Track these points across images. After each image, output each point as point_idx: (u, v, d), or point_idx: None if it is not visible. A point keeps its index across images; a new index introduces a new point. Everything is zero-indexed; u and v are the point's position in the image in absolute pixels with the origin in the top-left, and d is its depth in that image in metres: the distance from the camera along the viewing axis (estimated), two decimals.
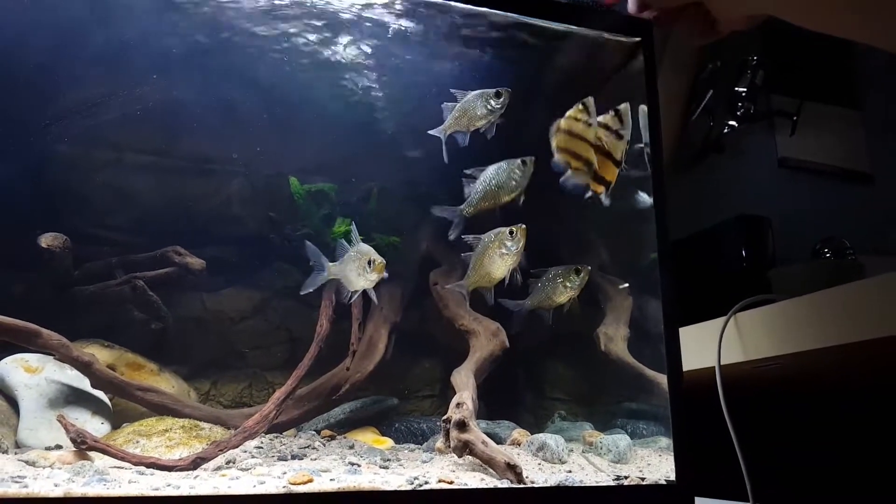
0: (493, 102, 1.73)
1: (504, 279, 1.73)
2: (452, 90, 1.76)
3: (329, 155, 2.29)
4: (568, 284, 1.80)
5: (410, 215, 2.39)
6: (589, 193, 1.67)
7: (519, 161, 1.74)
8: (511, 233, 1.69)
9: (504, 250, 1.69)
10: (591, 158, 1.62)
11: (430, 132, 1.78)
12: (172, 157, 2.23)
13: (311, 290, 1.80)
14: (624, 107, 1.63)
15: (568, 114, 1.61)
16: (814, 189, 3.46)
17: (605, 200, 1.66)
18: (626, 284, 2.24)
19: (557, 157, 1.62)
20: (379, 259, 1.71)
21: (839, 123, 3.62)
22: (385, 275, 1.72)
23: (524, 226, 1.69)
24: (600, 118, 1.62)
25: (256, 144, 2.20)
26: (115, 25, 1.90)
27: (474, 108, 1.74)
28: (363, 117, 2.21)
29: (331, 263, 1.80)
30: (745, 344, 1.82)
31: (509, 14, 1.82)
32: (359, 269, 1.72)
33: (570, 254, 2.20)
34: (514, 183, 1.74)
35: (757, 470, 1.60)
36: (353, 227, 1.82)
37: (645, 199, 1.73)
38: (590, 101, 1.61)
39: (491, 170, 1.75)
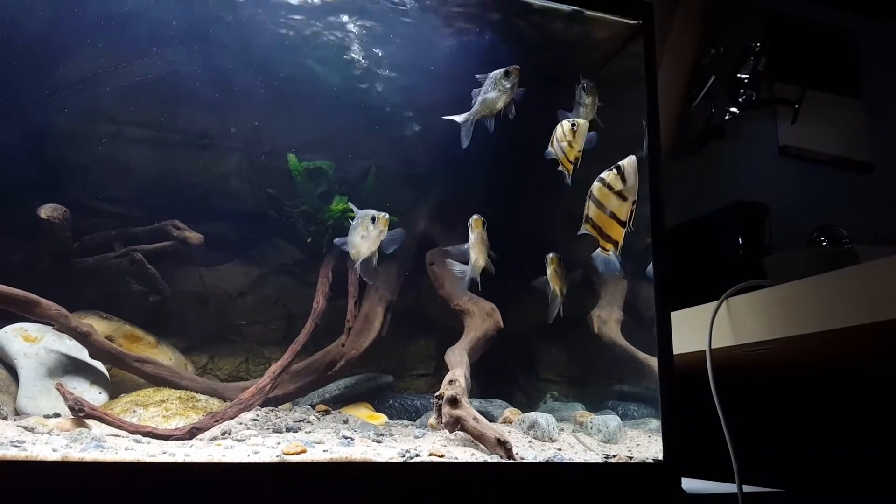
0: (504, 83, 1.74)
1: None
2: (477, 76, 1.77)
3: (327, 132, 2.29)
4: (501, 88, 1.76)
5: (408, 194, 2.41)
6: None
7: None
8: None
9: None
10: (619, 239, 1.61)
11: (453, 118, 1.79)
12: (172, 132, 2.24)
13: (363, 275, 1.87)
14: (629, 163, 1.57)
15: (604, 178, 1.56)
16: (813, 177, 3.46)
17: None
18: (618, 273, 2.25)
19: (585, 228, 1.63)
20: (382, 214, 1.72)
21: (840, 112, 3.62)
22: (384, 231, 1.75)
23: (478, 216, 1.80)
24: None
25: (255, 120, 2.20)
26: None
27: (490, 92, 1.76)
28: (362, 95, 2.22)
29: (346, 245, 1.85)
30: (736, 328, 1.84)
31: None
32: (362, 232, 1.74)
33: (566, 237, 2.21)
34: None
35: (744, 452, 1.62)
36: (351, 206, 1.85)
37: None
38: (628, 165, 1.54)
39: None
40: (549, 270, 1.98)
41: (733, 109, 3.22)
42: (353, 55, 2.13)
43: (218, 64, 2.03)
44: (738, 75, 3.20)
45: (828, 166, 3.54)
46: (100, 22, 1.90)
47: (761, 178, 3.35)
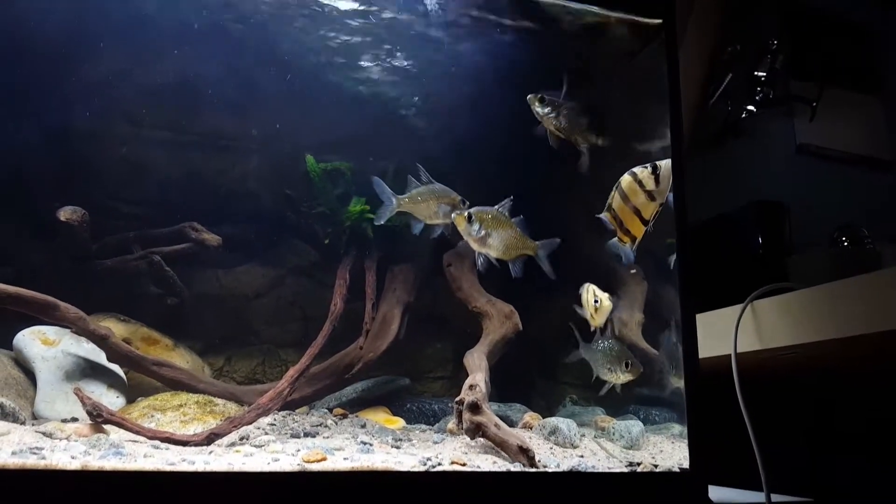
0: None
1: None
2: None
3: (345, 133, 2.27)
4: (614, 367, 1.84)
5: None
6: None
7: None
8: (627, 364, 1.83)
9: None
10: (638, 235, 1.60)
11: None
12: (190, 133, 2.22)
13: (382, 222, 1.94)
14: (666, 166, 1.56)
15: (636, 173, 1.55)
16: (832, 176, 3.41)
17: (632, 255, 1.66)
18: (634, 271, 2.22)
19: (605, 215, 1.61)
20: (466, 208, 1.80)
21: (859, 110, 3.56)
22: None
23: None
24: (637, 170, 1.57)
25: (274, 122, 2.19)
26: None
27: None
28: (381, 96, 2.20)
29: (399, 196, 1.88)
30: (761, 332, 1.80)
31: None
32: (435, 208, 1.84)
33: (587, 239, 2.18)
34: None
35: (772, 460, 1.59)
36: (422, 168, 1.88)
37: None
38: (665, 168, 1.54)
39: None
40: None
41: (750, 107, 3.17)
42: (372, 57, 2.11)
43: (237, 66, 2.02)
44: (756, 73, 3.15)
45: (846, 164, 3.49)
46: (120, 24, 1.89)
47: (779, 176, 3.30)
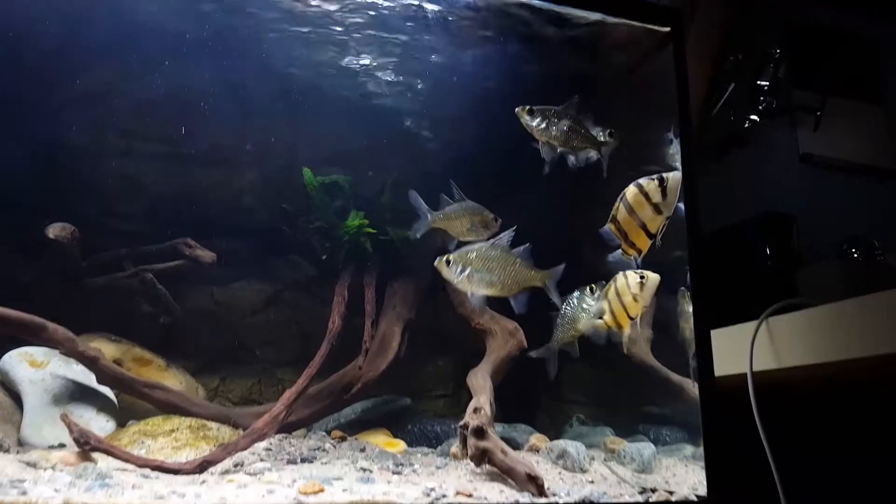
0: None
1: None
2: None
3: (343, 146, 2.22)
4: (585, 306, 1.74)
5: None
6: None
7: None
8: (591, 289, 1.72)
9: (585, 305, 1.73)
10: (644, 248, 1.53)
11: None
12: (184, 147, 2.16)
13: (418, 236, 1.86)
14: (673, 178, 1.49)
15: (642, 185, 1.48)
16: (836, 186, 3.37)
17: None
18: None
19: (609, 227, 1.54)
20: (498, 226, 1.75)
21: (863, 119, 3.52)
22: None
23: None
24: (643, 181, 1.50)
25: (270, 135, 2.13)
26: (127, 10, 1.83)
27: None
28: (380, 109, 2.15)
29: (434, 212, 1.82)
30: (777, 350, 1.73)
31: (534, 1, 1.75)
32: (468, 225, 1.78)
33: (591, 250, 2.12)
34: None
35: (791, 484, 1.52)
36: (455, 185, 1.81)
37: None
38: (672, 180, 1.48)
39: None
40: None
41: (753, 117, 3.13)
42: (371, 68, 2.06)
43: (232, 78, 1.97)
44: (758, 82, 3.11)
45: (851, 174, 3.45)
46: (111, 36, 1.84)
47: (783, 186, 3.26)
